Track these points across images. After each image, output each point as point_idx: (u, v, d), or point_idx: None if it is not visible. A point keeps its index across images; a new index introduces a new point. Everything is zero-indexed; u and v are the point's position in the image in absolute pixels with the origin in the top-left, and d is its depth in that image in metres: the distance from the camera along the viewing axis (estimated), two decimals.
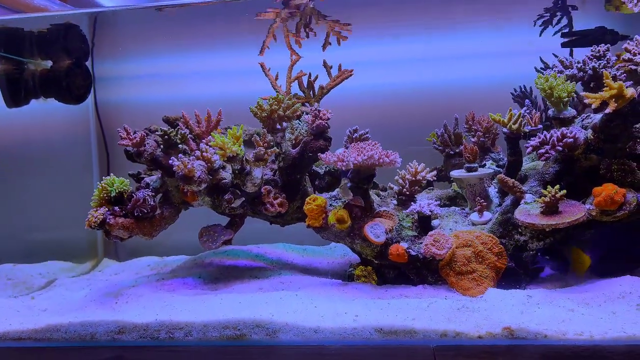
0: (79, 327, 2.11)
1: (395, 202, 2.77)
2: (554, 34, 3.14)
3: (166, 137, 2.53)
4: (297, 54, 3.18)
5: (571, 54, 3.13)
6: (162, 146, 2.57)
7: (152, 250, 3.51)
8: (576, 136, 2.35)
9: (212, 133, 2.54)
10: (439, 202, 2.84)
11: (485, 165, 2.84)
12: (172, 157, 2.40)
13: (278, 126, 2.57)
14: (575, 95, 2.64)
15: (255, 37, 3.31)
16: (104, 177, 2.55)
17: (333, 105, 3.11)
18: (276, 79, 3.14)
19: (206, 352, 1.95)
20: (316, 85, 3.15)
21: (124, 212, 2.50)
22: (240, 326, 2.04)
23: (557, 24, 3.18)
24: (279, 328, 2.02)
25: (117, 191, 2.51)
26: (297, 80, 3.17)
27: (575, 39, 3.04)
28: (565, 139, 2.33)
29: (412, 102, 3.64)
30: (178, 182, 2.46)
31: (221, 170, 2.56)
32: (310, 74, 3.16)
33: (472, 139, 2.91)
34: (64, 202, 3.61)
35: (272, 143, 2.53)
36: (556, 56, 3.12)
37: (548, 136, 2.36)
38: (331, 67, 3.15)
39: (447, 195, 2.93)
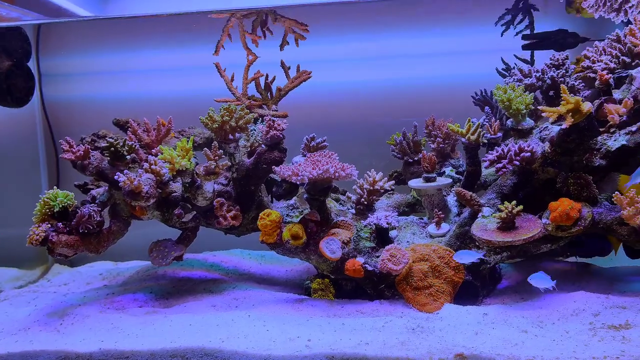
0: (19, 358, 2.00)
1: (353, 211, 2.72)
2: (515, 35, 3.08)
3: (112, 149, 2.40)
4: (253, 54, 3.06)
5: (532, 57, 3.09)
6: (108, 158, 2.44)
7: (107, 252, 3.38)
8: (533, 150, 2.32)
9: (160, 146, 2.42)
10: (397, 211, 2.81)
11: (444, 172, 2.80)
12: (118, 173, 2.27)
13: (230, 136, 2.46)
14: (533, 104, 2.60)
15: (212, 33, 3.18)
16: (46, 191, 2.41)
17: (293, 101, 3.03)
18: (232, 80, 3.02)
19: None
20: (274, 87, 3.05)
21: (68, 228, 2.38)
22: (189, 355, 1.97)
23: (518, 24, 3.12)
24: (228, 356, 1.95)
25: (60, 206, 2.39)
26: (254, 81, 3.06)
27: (536, 42, 2.99)
28: (522, 154, 2.30)
29: (375, 100, 3.57)
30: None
31: (171, 182, 2.46)
32: (267, 75, 3.05)
33: (432, 145, 2.86)
34: (10, 204, 3.44)
35: (223, 155, 2.43)
36: (517, 57, 3.09)
37: (505, 150, 2.32)
38: (289, 68, 3.05)
39: (406, 201, 2.89)
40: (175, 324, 2.19)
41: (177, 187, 2.48)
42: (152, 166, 2.36)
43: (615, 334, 1.98)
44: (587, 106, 2.19)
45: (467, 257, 2.30)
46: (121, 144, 2.42)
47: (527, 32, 3.09)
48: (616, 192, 2.17)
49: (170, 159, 2.29)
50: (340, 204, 2.89)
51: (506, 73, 2.97)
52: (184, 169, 2.31)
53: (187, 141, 2.36)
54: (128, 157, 2.48)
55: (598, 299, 2.21)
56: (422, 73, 3.52)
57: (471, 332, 2.06)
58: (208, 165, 2.35)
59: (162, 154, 2.36)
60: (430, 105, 3.42)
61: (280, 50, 3.07)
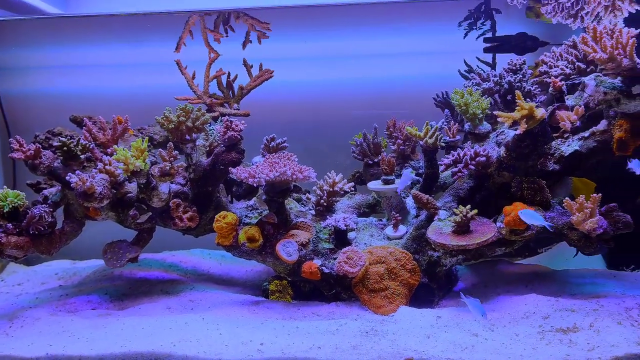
0: None
1: (314, 212, 2.72)
2: (477, 38, 3.10)
3: (65, 148, 2.35)
4: (215, 52, 3.02)
5: (494, 59, 3.12)
6: (61, 157, 2.39)
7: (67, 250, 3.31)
8: (489, 155, 2.34)
9: (115, 146, 2.37)
10: (357, 212, 2.81)
11: (403, 175, 2.80)
12: (69, 174, 2.23)
13: (187, 137, 2.43)
14: (491, 108, 2.63)
15: (175, 29, 3.12)
16: None
17: (259, 100, 3.01)
18: (193, 77, 2.98)
19: None
20: (236, 85, 3.02)
21: (18, 229, 2.32)
22: (139, 359, 1.94)
23: (481, 26, 3.14)
24: None
25: (10, 206, 2.33)
26: (216, 80, 3.03)
27: (497, 45, 3.01)
28: (477, 158, 2.32)
29: (342, 98, 3.57)
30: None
31: (127, 183, 2.41)
32: (229, 73, 3.02)
33: (392, 147, 2.87)
34: None
35: (179, 157, 2.39)
36: (480, 60, 3.11)
37: (461, 154, 2.33)
38: (252, 67, 3.02)
39: (367, 202, 2.89)
40: (127, 327, 2.16)
41: (132, 187, 2.43)
42: (106, 166, 2.32)
43: (562, 338, 2.02)
44: (540, 112, 2.21)
45: (534, 219, 2.17)
46: (74, 143, 2.37)
47: (489, 35, 3.11)
48: (566, 198, 2.20)
49: (124, 160, 2.25)
50: (302, 204, 2.89)
51: (468, 75, 2.98)
52: (139, 169, 2.27)
53: (142, 141, 2.31)
54: (82, 156, 2.43)
55: (548, 302, 2.25)
56: (388, 73, 3.53)
57: (423, 336, 2.08)
58: (163, 167, 2.32)
59: (116, 153, 2.31)
60: (396, 105, 3.44)
61: (243, 48, 3.05)
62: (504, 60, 2.87)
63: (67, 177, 2.23)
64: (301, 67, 3.48)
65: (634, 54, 2.10)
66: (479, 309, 2.00)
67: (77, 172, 2.24)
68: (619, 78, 2.20)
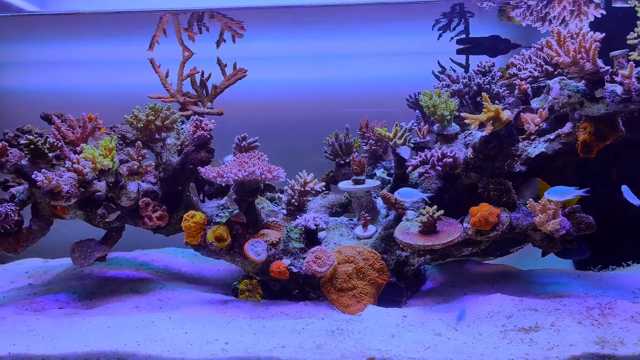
0: None
1: (285, 211, 2.73)
2: (451, 39, 3.13)
3: (32, 146, 2.34)
4: (189, 50, 3.02)
5: (467, 61, 3.15)
6: (28, 155, 2.38)
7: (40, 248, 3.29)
8: (456, 156, 2.37)
9: (82, 144, 2.36)
10: (330, 211, 2.83)
11: (375, 174, 2.83)
12: (35, 172, 2.22)
13: (157, 136, 2.43)
14: (461, 107, 2.66)
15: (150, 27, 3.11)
16: None
17: (234, 97, 3.02)
18: (167, 76, 2.98)
19: None
20: (210, 84, 3.03)
21: None
22: (102, 358, 1.94)
23: (455, 28, 3.17)
24: None
25: None
26: (189, 78, 3.03)
27: (469, 47, 3.04)
28: (445, 159, 2.34)
29: (319, 97, 3.59)
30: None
31: (95, 181, 2.41)
32: (203, 72, 3.02)
33: (365, 147, 2.89)
34: None
35: (147, 156, 2.39)
36: (453, 61, 3.14)
37: (429, 156, 2.36)
38: (226, 65, 3.02)
39: (340, 202, 2.90)
40: (92, 327, 2.16)
41: (101, 186, 2.43)
42: (74, 165, 2.31)
43: (524, 337, 2.05)
44: (506, 114, 2.24)
45: (562, 194, 2.18)
46: (42, 141, 2.36)
47: (463, 36, 3.14)
48: (529, 200, 2.23)
49: (92, 158, 2.25)
50: (275, 203, 2.90)
51: (440, 76, 3.01)
52: (106, 168, 2.27)
53: (111, 140, 2.31)
54: (51, 154, 2.41)
55: (512, 302, 2.27)
56: (366, 73, 3.56)
57: (388, 335, 2.10)
58: (131, 166, 2.32)
59: (84, 152, 2.30)
60: (372, 104, 3.47)
61: (217, 47, 3.05)
62: (478, 61, 2.92)
63: (33, 176, 2.22)
64: (278, 67, 3.49)
65: (597, 58, 2.14)
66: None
67: (43, 170, 2.23)
68: (583, 81, 2.24)
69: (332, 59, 3.60)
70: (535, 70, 2.58)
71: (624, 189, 2.16)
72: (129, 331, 2.11)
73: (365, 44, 3.56)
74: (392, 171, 2.85)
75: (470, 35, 3.14)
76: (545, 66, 2.56)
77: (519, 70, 2.64)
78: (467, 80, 2.61)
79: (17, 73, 3.53)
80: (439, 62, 3.15)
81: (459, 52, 3.07)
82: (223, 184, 2.33)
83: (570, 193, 2.17)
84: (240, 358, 1.95)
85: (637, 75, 2.29)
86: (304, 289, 2.46)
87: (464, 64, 3.16)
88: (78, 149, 2.48)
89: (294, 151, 3.38)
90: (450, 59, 3.15)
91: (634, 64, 2.29)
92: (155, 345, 2.00)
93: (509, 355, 1.92)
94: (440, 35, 3.17)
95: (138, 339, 2.04)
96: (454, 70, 3.07)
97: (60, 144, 2.44)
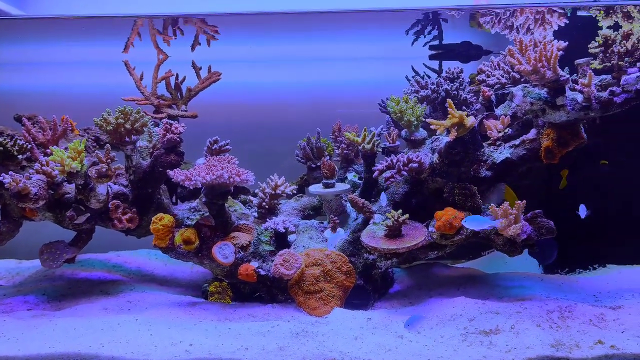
0: None
1: (256, 214, 2.75)
2: (424, 45, 3.17)
3: (1, 148, 2.35)
4: (164, 53, 3.04)
5: (440, 66, 3.18)
6: None
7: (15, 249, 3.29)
8: (421, 161, 2.41)
9: (51, 147, 2.38)
10: (302, 214, 2.86)
11: (347, 178, 2.86)
12: (3, 174, 2.23)
13: (127, 139, 2.45)
14: (433, 113, 2.70)
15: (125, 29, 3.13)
16: None
17: (212, 100, 3.05)
18: (141, 78, 2.99)
19: None
20: (185, 87, 3.05)
21: None
22: None
23: (428, 34, 3.21)
24: None
25: None
26: (164, 81, 3.04)
27: (442, 52, 3.08)
28: (410, 164, 2.38)
29: (296, 101, 3.62)
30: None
31: (65, 184, 2.42)
32: (177, 75, 3.04)
33: (337, 150, 2.92)
34: None
35: (116, 159, 2.41)
36: (427, 66, 3.18)
37: (394, 160, 2.39)
38: (200, 69, 3.04)
39: (312, 205, 2.94)
40: (59, 328, 2.17)
41: (71, 188, 2.44)
42: (43, 167, 2.32)
43: (483, 339, 2.09)
44: (470, 121, 2.28)
45: (476, 223, 2.26)
46: (11, 143, 2.37)
47: (436, 42, 3.18)
48: (491, 205, 2.28)
49: (60, 161, 2.26)
50: (248, 206, 2.92)
51: (412, 81, 3.05)
52: (75, 171, 2.28)
53: (80, 142, 2.32)
54: (21, 156, 2.43)
55: (475, 305, 2.32)
56: (339, 77, 3.59)
57: (351, 337, 2.13)
58: (99, 168, 2.33)
59: (53, 154, 2.32)
60: (352, 106, 3.50)
61: (192, 50, 3.07)
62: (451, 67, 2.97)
63: (1, 178, 2.23)
64: (253, 69, 3.51)
65: (557, 67, 2.18)
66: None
67: (11, 172, 2.24)
68: (545, 89, 2.28)
69: (308, 62, 3.62)
70: (502, 77, 2.62)
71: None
72: (94, 333, 2.13)
73: (342, 49, 3.59)
74: (363, 175, 2.88)
75: (443, 41, 3.17)
76: (512, 73, 2.60)
77: (488, 76, 2.69)
78: (435, 86, 2.65)
79: None
80: (412, 68, 3.19)
81: (431, 57, 3.11)
82: (191, 187, 2.35)
83: (486, 223, 2.26)
84: (204, 359, 1.97)
85: (599, 84, 2.34)
86: (272, 291, 2.49)
87: (438, 69, 3.20)
88: (48, 151, 2.50)
89: (272, 154, 3.41)
90: (423, 64, 3.19)
91: (594, 73, 2.35)
92: (119, 347, 2.02)
93: (467, 358, 1.96)
94: (414, 41, 3.20)
95: (103, 340, 2.06)
96: (428, 76, 3.12)
97: (30, 146, 2.45)
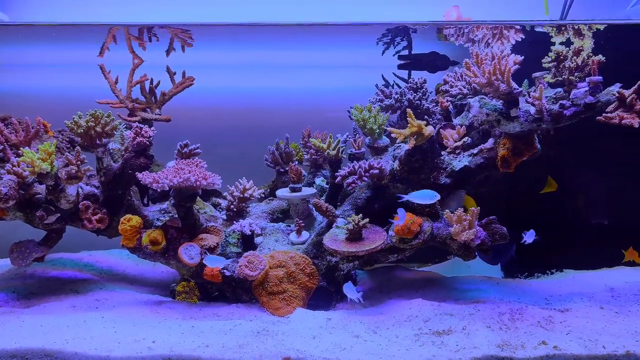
0: None
1: (224, 216, 2.83)
2: (394, 55, 3.27)
3: None
4: (139, 58, 3.11)
5: (409, 76, 3.28)
6: None
7: None
8: (382, 167, 2.50)
9: (22, 148, 2.44)
10: (270, 218, 2.94)
11: (315, 182, 2.95)
12: None
13: (97, 142, 2.52)
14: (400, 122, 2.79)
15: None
16: None
17: (189, 104, 3.13)
18: (116, 82, 3.06)
19: None
20: (159, 91, 3.12)
21: None
22: (29, 355, 2.03)
23: (398, 44, 3.30)
24: (68, 356, 2.02)
25: None
26: (139, 85, 3.11)
27: (410, 62, 3.18)
28: (371, 170, 2.47)
29: (271, 106, 3.71)
30: None
31: (36, 184, 2.49)
32: (152, 79, 3.12)
33: (306, 156, 3.01)
34: None
35: (86, 160, 2.48)
36: (396, 75, 3.28)
37: (356, 167, 2.48)
38: (175, 74, 3.12)
39: (281, 208, 3.02)
40: (26, 325, 2.23)
41: (42, 189, 2.50)
42: (14, 167, 2.38)
43: (435, 339, 2.18)
44: (428, 130, 2.38)
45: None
46: None
47: (405, 52, 3.28)
48: (446, 211, 2.37)
49: (31, 162, 2.33)
50: (218, 209, 3.00)
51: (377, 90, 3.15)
52: (45, 172, 2.35)
53: (51, 144, 2.39)
54: None
55: (431, 306, 2.41)
56: (313, 84, 3.68)
57: (310, 336, 2.21)
58: (69, 170, 2.40)
59: (23, 155, 2.38)
60: (319, 115, 3.60)
61: (167, 56, 3.14)
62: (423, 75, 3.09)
63: None
64: (227, 75, 3.59)
65: (511, 80, 2.29)
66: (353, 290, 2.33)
67: None
68: (501, 101, 2.39)
69: (283, 69, 3.71)
70: (464, 87, 2.73)
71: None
72: (60, 330, 2.20)
73: (316, 56, 3.69)
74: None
75: (412, 51, 3.27)
76: (473, 84, 2.70)
77: (451, 87, 2.79)
78: (398, 95, 2.75)
79: None
80: (382, 76, 3.29)
81: (400, 67, 3.21)
82: (159, 190, 2.42)
83: (429, 198, 2.36)
84: (164, 356, 2.04)
85: (554, 96, 2.46)
86: (237, 292, 2.57)
87: (407, 78, 3.30)
88: (20, 152, 2.56)
89: (248, 158, 3.49)
90: (393, 73, 3.29)
91: (547, 86, 2.46)
92: (83, 343, 2.09)
93: (417, 357, 2.05)
94: (384, 51, 3.30)
95: (67, 337, 2.13)
96: (399, 85, 3.22)
97: (2, 147, 2.51)
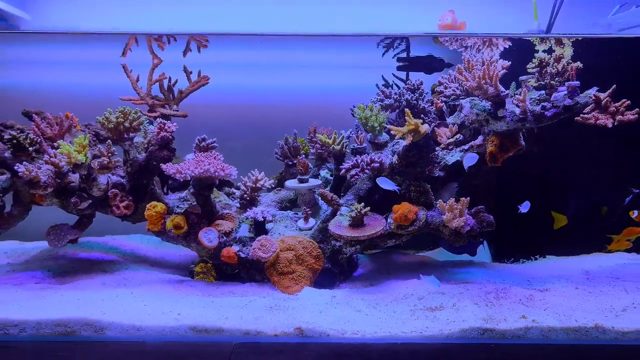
0: None
1: (238, 205, 3.11)
2: (393, 57, 3.53)
3: (15, 141, 2.67)
4: (158, 58, 3.37)
5: (407, 77, 3.55)
6: (11, 149, 2.71)
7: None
8: (382, 161, 2.77)
9: (59, 141, 2.70)
10: (280, 206, 3.22)
11: (320, 174, 3.23)
12: (17, 164, 2.56)
13: (125, 136, 2.79)
14: (398, 119, 3.06)
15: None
16: None
17: (203, 101, 3.40)
18: (137, 80, 3.32)
19: (36, 348, 2.20)
20: (177, 89, 3.39)
21: None
22: (71, 324, 2.30)
23: (397, 47, 3.56)
24: (105, 326, 2.30)
25: None
26: (158, 83, 3.38)
27: (408, 64, 3.44)
28: (372, 164, 2.75)
29: (282, 103, 3.96)
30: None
31: (70, 173, 2.75)
32: (170, 78, 3.38)
33: (312, 150, 3.28)
34: None
35: (115, 152, 2.75)
36: (395, 76, 3.54)
37: (359, 160, 2.76)
38: (191, 73, 3.38)
39: (289, 197, 3.29)
40: (64, 299, 2.51)
41: (75, 178, 2.77)
42: (51, 158, 2.65)
43: (429, 314, 2.46)
44: (424, 128, 2.66)
45: (387, 184, 2.71)
46: (24, 137, 2.69)
47: (404, 55, 3.54)
48: (439, 201, 2.65)
49: (67, 154, 2.59)
50: (231, 198, 3.27)
51: (378, 91, 3.41)
52: (80, 163, 2.62)
53: (85, 138, 2.66)
54: (30, 149, 2.75)
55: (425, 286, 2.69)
56: (318, 82, 3.94)
57: (317, 311, 2.50)
58: (101, 161, 2.67)
59: (61, 148, 2.65)
60: (330, 112, 3.85)
61: (183, 56, 3.40)
62: (421, 76, 3.36)
63: (16, 167, 2.56)
64: (240, 73, 3.84)
65: (499, 84, 2.56)
66: (434, 282, 2.57)
67: (25, 162, 2.57)
68: (489, 102, 2.66)
69: (291, 68, 3.95)
70: (457, 89, 2.99)
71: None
72: (95, 303, 2.47)
73: (322, 57, 3.93)
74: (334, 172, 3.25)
75: (410, 54, 3.53)
76: (465, 87, 2.97)
77: (445, 88, 3.06)
78: (397, 96, 3.01)
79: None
80: (382, 77, 3.55)
81: (398, 68, 3.47)
82: (181, 179, 2.70)
83: (390, 185, 2.69)
84: (190, 326, 2.33)
85: (538, 98, 2.73)
86: (251, 272, 2.84)
87: (405, 78, 3.56)
88: (55, 144, 2.82)
89: (257, 151, 3.75)
90: (392, 74, 3.55)
91: (532, 88, 2.73)
92: (117, 315, 2.37)
93: (412, 328, 2.34)
94: (384, 53, 3.56)
95: (103, 309, 2.41)
96: (397, 86, 3.49)
97: (39, 139, 2.78)
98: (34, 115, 2.87)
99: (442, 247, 3.08)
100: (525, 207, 2.73)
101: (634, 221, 2.86)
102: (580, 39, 2.60)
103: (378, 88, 3.35)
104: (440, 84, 3.10)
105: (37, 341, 2.26)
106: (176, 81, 3.38)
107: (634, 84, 2.64)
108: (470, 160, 2.70)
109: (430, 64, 3.40)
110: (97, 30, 3.12)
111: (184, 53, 3.40)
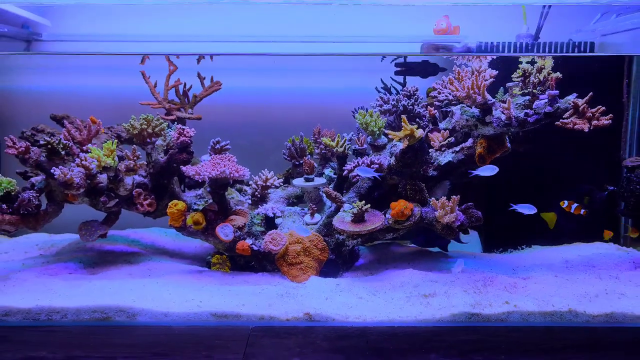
0: None
1: (250, 201, 3.40)
2: (391, 62, 3.80)
3: (50, 146, 2.96)
4: (174, 65, 3.64)
5: (404, 81, 3.82)
6: (46, 153, 3.00)
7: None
8: (381, 163, 3.06)
9: (89, 145, 2.99)
10: (287, 202, 3.51)
11: (324, 173, 3.51)
12: (54, 168, 2.85)
13: (148, 140, 3.07)
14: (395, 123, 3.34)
15: None
16: None
17: (216, 102, 3.68)
18: (155, 86, 3.60)
19: (78, 331, 2.51)
20: (191, 93, 3.66)
21: (10, 209, 2.94)
22: (107, 310, 2.61)
23: None
24: (137, 312, 2.61)
25: (4, 191, 2.93)
26: (174, 88, 3.65)
27: (405, 69, 3.71)
28: (372, 165, 3.03)
29: (288, 105, 4.22)
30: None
31: (99, 175, 3.04)
32: (185, 84, 3.66)
33: (317, 150, 3.57)
34: None
35: (140, 155, 3.04)
36: (394, 80, 3.82)
37: (360, 162, 3.04)
38: (204, 78, 3.66)
39: (296, 194, 3.59)
40: (97, 288, 2.82)
41: (103, 178, 3.06)
42: (82, 162, 2.94)
43: (422, 300, 2.76)
44: (419, 133, 2.94)
45: (366, 172, 2.98)
46: (57, 142, 2.98)
47: (401, 60, 3.81)
48: (432, 198, 2.95)
49: (98, 158, 2.88)
50: (243, 194, 3.56)
51: (383, 92, 3.69)
52: (109, 166, 2.91)
53: (112, 143, 2.94)
54: (63, 152, 3.04)
55: (420, 275, 2.99)
56: (321, 84, 4.20)
57: (323, 298, 2.80)
58: (128, 164, 2.96)
59: (91, 152, 2.94)
60: (332, 113, 4.11)
61: (197, 63, 3.67)
62: (417, 80, 3.64)
63: (52, 170, 2.85)
64: (251, 77, 4.10)
65: (486, 93, 2.84)
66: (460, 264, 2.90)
67: (60, 166, 2.86)
68: (478, 109, 2.94)
69: (296, 71, 4.21)
70: (450, 94, 3.27)
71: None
72: (125, 292, 2.78)
73: (325, 60, 4.19)
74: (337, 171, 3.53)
75: (407, 59, 3.80)
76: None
77: (439, 93, 3.33)
78: (395, 101, 3.29)
79: (25, 76, 4.09)
80: (381, 80, 3.82)
81: (396, 73, 3.74)
82: (200, 180, 2.99)
83: (370, 173, 2.96)
84: (211, 312, 2.63)
85: (523, 104, 3.00)
86: (263, 263, 3.15)
87: (403, 82, 3.83)
88: (84, 148, 3.11)
89: (263, 149, 4.03)
90: (390, 77, 3.82)
91: (518, 95, 3.01)
92: (146, 302, 2.67)
93: (408, 313, 2.64)
94: (382, 58, 3.83)
95: (133, 297, 2.71)
96: (395, 89, 3.77)
97: (70, 144, 3.07)
98: (65, 121, 3.16)
99: (415, 244, 3.42)
100: (531, 210, 2.94)
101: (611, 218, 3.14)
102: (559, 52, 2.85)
103: (378, 92, 3.62)
104: (434, 89, 3.37)
105: (78, 325, 2.56)
106: (191, 86, 3.66)
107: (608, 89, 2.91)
108: (488, 171, 2.92)
109: (425, 69, 3.67)
110: (115, 52, 3.37)
111: (198, 60, 3.67)
